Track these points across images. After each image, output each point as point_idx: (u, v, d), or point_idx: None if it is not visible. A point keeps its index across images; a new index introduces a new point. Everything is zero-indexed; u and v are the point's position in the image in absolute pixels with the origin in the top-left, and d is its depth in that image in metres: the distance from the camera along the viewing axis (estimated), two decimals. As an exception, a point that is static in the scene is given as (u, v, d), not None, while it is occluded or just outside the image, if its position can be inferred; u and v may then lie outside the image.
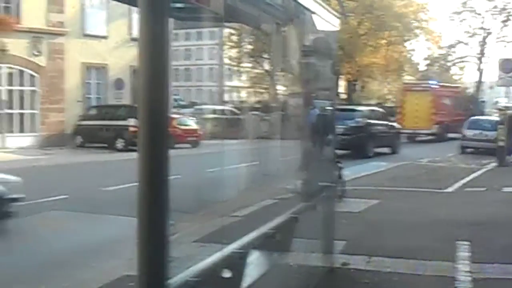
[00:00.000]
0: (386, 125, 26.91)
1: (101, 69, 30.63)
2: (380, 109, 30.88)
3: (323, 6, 6.08)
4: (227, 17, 3.83)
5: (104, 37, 30.41)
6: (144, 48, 2.37)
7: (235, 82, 60.93)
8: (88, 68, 30.07)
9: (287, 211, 5.14)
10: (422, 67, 60.08)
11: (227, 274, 3.53)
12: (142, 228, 2.41)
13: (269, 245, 4.48)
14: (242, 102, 52.12)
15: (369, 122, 24.95)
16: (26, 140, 26.63)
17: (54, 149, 25.86)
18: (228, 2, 3.42)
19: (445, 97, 38.19)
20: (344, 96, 49.04)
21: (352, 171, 16.43)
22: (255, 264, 4.23)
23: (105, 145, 26.30)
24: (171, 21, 3.56)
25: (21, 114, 27.18)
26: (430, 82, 39.46)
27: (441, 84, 40.34)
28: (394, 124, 28.75)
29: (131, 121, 25.38)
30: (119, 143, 25.77)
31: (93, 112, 28.32)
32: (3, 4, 26.27)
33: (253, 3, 4.21)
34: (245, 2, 3.97)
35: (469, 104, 42.19)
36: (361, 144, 23.29)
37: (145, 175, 2.37)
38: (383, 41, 47.68)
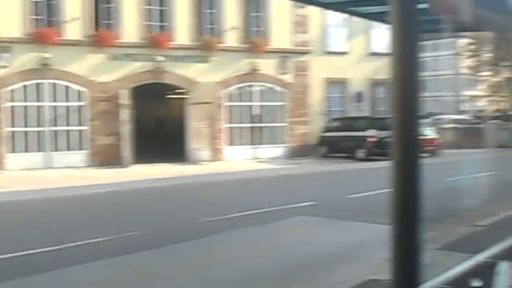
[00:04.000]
0: None
1: (342, 83, 31.11)
2: None
3: None
4: (474, 26, 3.67)
5: (345, 53, 30.88)
6: (396, 62, 2.35)
7: (472, 91, 58.31)
8: (330, 82, 30.71)
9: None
10: None
11: (477, 283, 3.36)
12: (395, 234, 2.38)
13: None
14: (480, 111, 49.58)
15: None
16: (275, 151, 27.90)
17: (300, 159, 26.80)
18: (477, 11, 3.27)
19: None
20: None
21: None
22: (505, 275, 3.97)
23: (347, 154, 26.65)
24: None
25: (271, 127, 28.51)
26: None
27: None
28: None
29: (371, 132, 25.44)
30: (360, 153, 25.98)
31: (335, 124, 28.80)
32: (256, 29, 27.86)
33: (500, 11, 3.98)
34: (493, 11, 3.77)
35: None
36: None
37: (398, 184, 2.34)
38: None
